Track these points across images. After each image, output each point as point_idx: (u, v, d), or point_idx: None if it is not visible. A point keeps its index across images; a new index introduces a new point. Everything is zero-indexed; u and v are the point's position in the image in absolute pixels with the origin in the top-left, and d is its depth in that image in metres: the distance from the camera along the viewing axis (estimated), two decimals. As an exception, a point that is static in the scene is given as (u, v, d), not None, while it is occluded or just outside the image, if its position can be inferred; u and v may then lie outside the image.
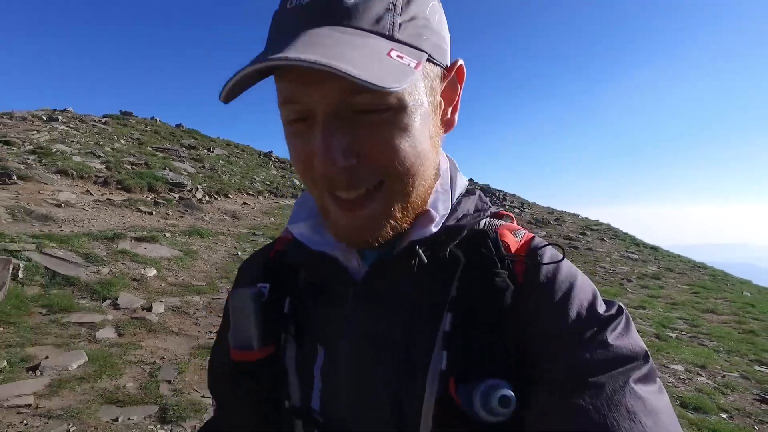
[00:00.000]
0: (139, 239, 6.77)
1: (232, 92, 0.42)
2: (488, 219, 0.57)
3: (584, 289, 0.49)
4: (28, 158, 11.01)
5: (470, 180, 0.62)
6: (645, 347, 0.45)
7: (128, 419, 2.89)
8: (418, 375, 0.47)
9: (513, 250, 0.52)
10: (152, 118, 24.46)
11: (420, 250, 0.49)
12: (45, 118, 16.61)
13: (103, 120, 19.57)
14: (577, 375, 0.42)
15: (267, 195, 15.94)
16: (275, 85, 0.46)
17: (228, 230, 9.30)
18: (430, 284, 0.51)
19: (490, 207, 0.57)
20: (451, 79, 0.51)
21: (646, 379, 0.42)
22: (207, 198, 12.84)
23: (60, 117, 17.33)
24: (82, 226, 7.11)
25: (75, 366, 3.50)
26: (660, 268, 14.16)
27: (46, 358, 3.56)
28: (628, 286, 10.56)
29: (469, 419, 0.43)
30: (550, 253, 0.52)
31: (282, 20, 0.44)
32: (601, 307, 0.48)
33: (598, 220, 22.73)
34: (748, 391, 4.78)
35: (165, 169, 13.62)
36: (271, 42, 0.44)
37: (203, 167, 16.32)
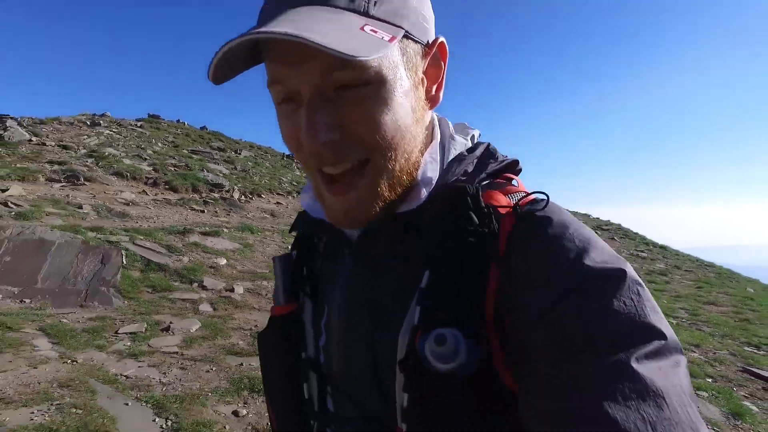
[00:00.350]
0: (205, 234, 7.83)
1: (220, 74, 0.45)
2: (480, 182, 0.53)
3: (578, 239, 0.44)
4: (87, 161, 12.19)
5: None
6: (657, 319, 0.38)
7: (249, 365, 3.90)
8: (393, 330, 0.48)
9: (503, 212, 0.49)
10: (178, 120, 25.60)
11: (403, 220, 0.52)
12: (89, 123, 17.85)
13: (138, 123, 20.78)
14: (565, 350, 0.38)
15: (296, 195, 16.98)
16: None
17: (272, 227, 10.34)
18: (415, 247, 0.51)
19: (492, 163, 0.55)
20: (434, 56, 0.52)
21: (655, 355, 0.36)
22: (243, 198, 13.92)
23: (101, 122, 18.54)
24: (154, 222, 8.19)
25: (194, 329, 4.53)
26: (668, 265, 14.90)
27: (171, 323, 4.60)
28: (635, 281, 11.38)
29: (429, 371, 0.43)
30: (538, 205, 0.48)
31: (266, 5, 0.47)
32: (599, 262, 0.42)
33: (609, 221, 23.39)
34: (733, 364, 5.64)
35: (203, 170, 14.73)
36: (254, 25, 0.46)
37: (235, 168, 17.42)
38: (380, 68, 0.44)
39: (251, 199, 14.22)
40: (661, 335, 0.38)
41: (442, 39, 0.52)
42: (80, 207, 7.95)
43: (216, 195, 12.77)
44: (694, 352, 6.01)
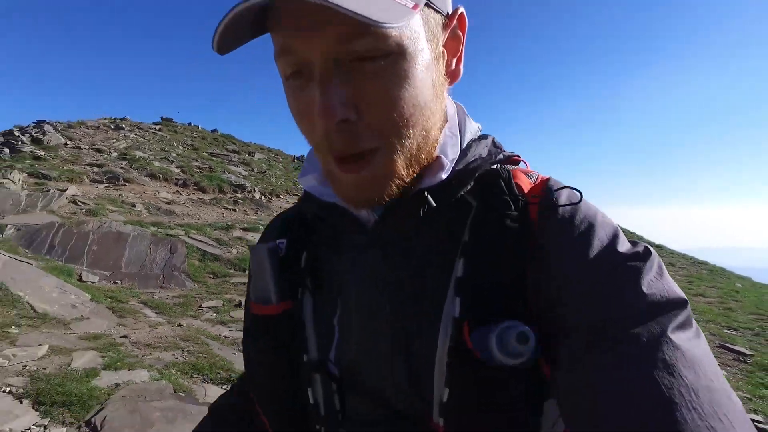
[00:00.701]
0: (245, 229, 8.77)
1: (225, 42, 0.42)
2: (500, 164, 0.52)
3: (605, 227, 0.45)
4: (121, 164, 13.11)
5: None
6: (681, 292, 0.40)
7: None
8: (429, 322, 0.46)
9: (526, 191, 0.49)
10: (190, 123, 26.51)
11: (429, 196, 0.47)
12: (112, 127, 18.79)
13: (157, 127, 21.72)
14: (606, 326, 0.39)
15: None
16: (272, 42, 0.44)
17: (297, 225, 11.28)
18: (441, 230, 0.49)
19: (503, 151, 0.53)
20: (453, 27, 0.49)
21: (684, 326, 0.38)
22: (264, 198, 14.85)
23: (123, 125, 19.48)
24: (198, 219, 9.13)
25: (260, 305, 5.47)
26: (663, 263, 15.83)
27: (241, 300, 5.52)
28: (631, 275, 12.33)
29: (485, 365, 0.41)
30: (566, 194, 0.48)
31: None
32: (625, 247, 0.43)
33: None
34: (712, 342, 6.55)
35: (224, 172, 15.67)
36: None
37: (252, 170, 18.36)
38: (401, 38, 0.40)
39: (271, 199, 15.14)
40: (686, 304, 0.39)
41: (462, 9, 0.50)
42: (133, 205, 8.90)
43: (240, 195, 13.71)
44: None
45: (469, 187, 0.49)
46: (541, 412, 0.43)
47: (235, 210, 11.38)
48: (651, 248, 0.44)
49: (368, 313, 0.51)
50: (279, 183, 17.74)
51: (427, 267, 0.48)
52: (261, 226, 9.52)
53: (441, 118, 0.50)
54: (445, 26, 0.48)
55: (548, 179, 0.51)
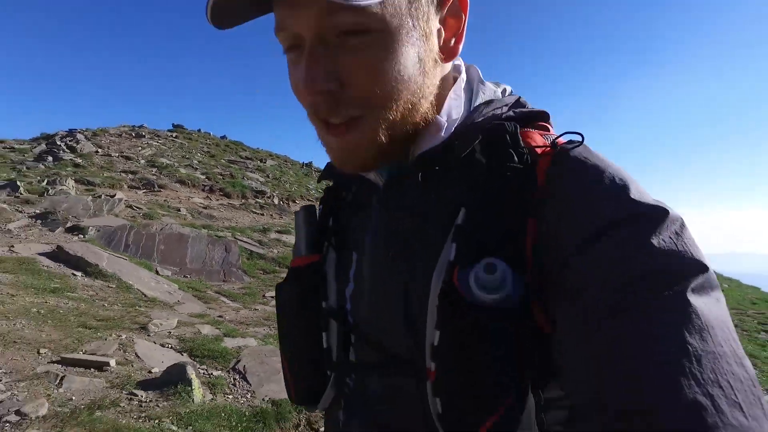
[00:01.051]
0: (279, 231, 9.74)
1: (224, 13, 0.45)
2: (510, 121, 0.50)
3: (617, 175, 0.43)
4: (151, 170, 14.05)
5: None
6: (701, 256, 0.38)
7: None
8: (426, 268, 0.47)
9: (539, 151, 0.48)
10: (199, 130, 27.40)
11: (429, 159, 0.50)
12: (134, 135, 19.73)
13: (173, 134, 22.67)
14: (613, 288, 0.37)
15: (323, 201, 18.87)
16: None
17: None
18: (447, 187, 0.50)
19: (526, 109, 0.53)
20: (452, 5, 0.50)
21: (699, 290, 0.36)
22: (282, 203, 15.81)
23: (143, 133, 20.43)
24: (235, 222, 10.09)
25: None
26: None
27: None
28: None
29: (471, 306, 0.42)
30: (579, 150, 0.47)
31: None
32: (640, 198, 0.41)
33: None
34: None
35: (244, 178, 16.63)
36: None
37: (268, 177, 19.32)
38: (383, 15, 0.42)
39: (289, 204, 16.06)
40: (704, 268, 0.37)
41: None
42: (178, 210, 9.86)
43: (261, 201, 14.66)
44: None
45: (474, 145, 0.48)
46: (531, 366, 0.42)
47: (263, 214, 12.34)
48: (668, 208, 0.41)
49: (376, 265, 0.54)
50: (293, 189, 18.67)
51: (432, 220, 0.49)
52: (292, 229, 10.47)
53: (433, 92, 0.50)
54: (441, 4, 0.49)
55: (565, 142, 0.49)
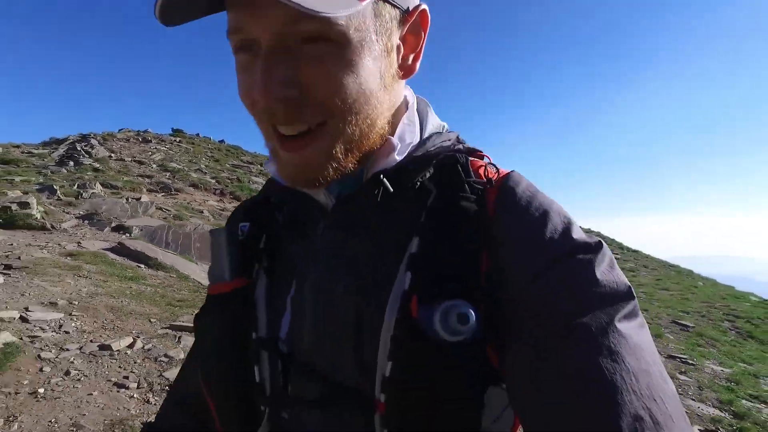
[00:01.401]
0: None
1: (175, 13, 0.43)
2: (461, 153, 0.53)
3: (561, 217, 0.47)
4: (165, 174, 14.82)
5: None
6: (628, 283, 0.43)
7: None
8: (380, 296, 0.46)
9: (485, 178, 0.50)
10: (198, 135, 28.01)
11: (384, 180, 0.49)
12: (140, 139, 20.43)
13: (177, 139, 23.38)
14: (558, 315, 0.40)
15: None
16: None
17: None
18: (399, 213, 0.50)
19: (465, 144, 0.56)
20: (413, 23, 0.50)
21: (630, 316, 0.40)
22: (287, 206, 16.64)
23: (148, 137, 21.13)
24: (253, 224, 10.96)
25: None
26: (637, 265, 18.12)
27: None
28: (609, 274, 14.58)
29: (428, 340, 0.42)
30: (524, 184, 0.50)
31: None
32: (579, 238, 0.45)
33: (589, 228, 26.62)
34: (667, 319, 8.64)
35: (250, 182, 17.46)
36: None
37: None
38: (348, 28, 0.42)
39: (293, 207, 16.87)
40: (633, 296, 0.41)
41: (424, 6, 0.51)
42: (201, 212, 10.70)
43: (269, 203, 15.45)
44: (646, 311, 9.00)
45: (428, 173, 0.50)
46: (482, 402, 0.44)
47: (273, 216, 13.19)
48: (602, 242, 0.45)
49: (322, 292, 0.51)
50: (296, 192, 19.46)
51: (383, 246, 0.49)
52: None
53: (390, 109, 0.51)
54: (403, 21, 0.49)
55: (510, 171, 0.52)
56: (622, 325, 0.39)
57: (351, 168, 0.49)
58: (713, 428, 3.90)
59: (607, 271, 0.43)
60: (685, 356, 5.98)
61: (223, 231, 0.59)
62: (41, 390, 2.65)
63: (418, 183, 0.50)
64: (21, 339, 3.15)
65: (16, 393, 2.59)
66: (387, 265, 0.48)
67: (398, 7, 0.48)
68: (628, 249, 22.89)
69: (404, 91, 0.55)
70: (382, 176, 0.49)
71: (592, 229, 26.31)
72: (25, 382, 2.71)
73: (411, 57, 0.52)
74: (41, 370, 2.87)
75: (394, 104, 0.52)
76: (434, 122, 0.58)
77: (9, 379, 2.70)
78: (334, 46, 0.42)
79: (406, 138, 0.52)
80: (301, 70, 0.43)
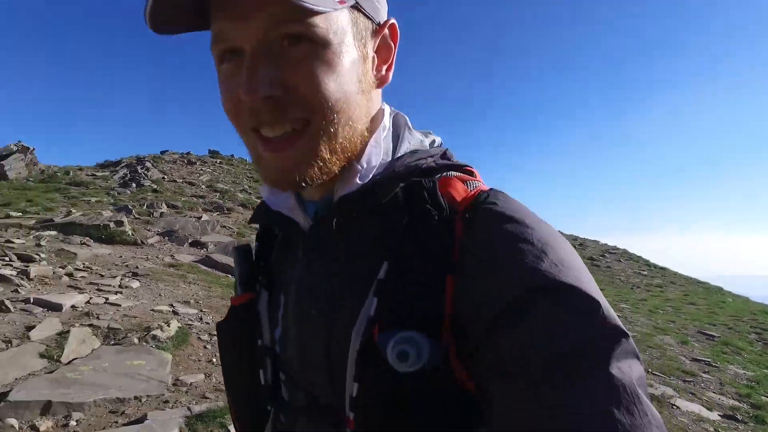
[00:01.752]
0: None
1: (160, 20, 0.46)
2: (431, 174, 0.52)
3: (536, 238, 0.43)
4: (215, 195, 16.05)
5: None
6: (619, 322, 0.38)
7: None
8: (347, 321, 0.48)
9: (459, 199, 0.49)
10: (232, 155, 29.41)
11: (345, 206, 0.51)
12: (186, 162, 21.91)
13: (217, 160, 24.85)
14: (540, 362, 0.36)
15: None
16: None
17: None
18: (368, 237, 0.50)
19: (450, 161, 0.55)
20: (384, 36, 0.53)
21: (623, 356, 0.36)
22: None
23: (192, 159, 22.60)
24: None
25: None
26: (665, 281, 18.44)
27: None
28: (636, 290, 15.05)
29: (388, 366, 0.42)
30: (499, 202, 0.47)
31: None
32: (564, 264, 0.40)
33: (615, 246, 26.81)
34: (693, 328, 9.17)
35: (289, 201, 18.56)
36: None
37: (307, 199, 21.21)
38: (328, 30, 0.45)
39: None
40: (624, 334, 0.37)
41: (393, 21, 0.54)
42: (256, 229, 11.78)
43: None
44: (673, 322, 9.54)
45: (394, 195, 0.49)
46: (457, 414, 0.43)
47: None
48: (584, 274, 0.41)
49: (299, 312, 0.55)
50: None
51: (351, 270, 0.50)
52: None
53: (367, 115, 0.52)
54: (376, 33, 0.52)
55: (484, 190, 0.50)
56: (613, 371, 0.35)
57: (335, 170, 0.50)
58: (731, 414, 4.56)
59: (593, 308, 0.38)
60: (708, 359, 6.59)
61: (237, 249, 0.66)
62: (214, 360, 3.62)
63: (389, 206, 0.49)
64: (182, 326, 4.15)
65: (198, 360, 3.57)
66: (356, 289, 0.49)
67: (371, 20, 0.51)
68: (655, 266, 23.08)
69: (380, 104, 0.56)
70: (341, 200, 0.51)
71: (618, 246, 26.52)
72: (200, 354, 3.69)
73: (384, 68, 0.54)
74: (205, 347, 3.85)
75: (371, 111, 0.53)
76: (411, 140, 0.57)
77: (190, 351, 3.69)
78: (316, 46, 0.45)
79: (372, 160, 0.52)
80: (285, 71, 0.45)
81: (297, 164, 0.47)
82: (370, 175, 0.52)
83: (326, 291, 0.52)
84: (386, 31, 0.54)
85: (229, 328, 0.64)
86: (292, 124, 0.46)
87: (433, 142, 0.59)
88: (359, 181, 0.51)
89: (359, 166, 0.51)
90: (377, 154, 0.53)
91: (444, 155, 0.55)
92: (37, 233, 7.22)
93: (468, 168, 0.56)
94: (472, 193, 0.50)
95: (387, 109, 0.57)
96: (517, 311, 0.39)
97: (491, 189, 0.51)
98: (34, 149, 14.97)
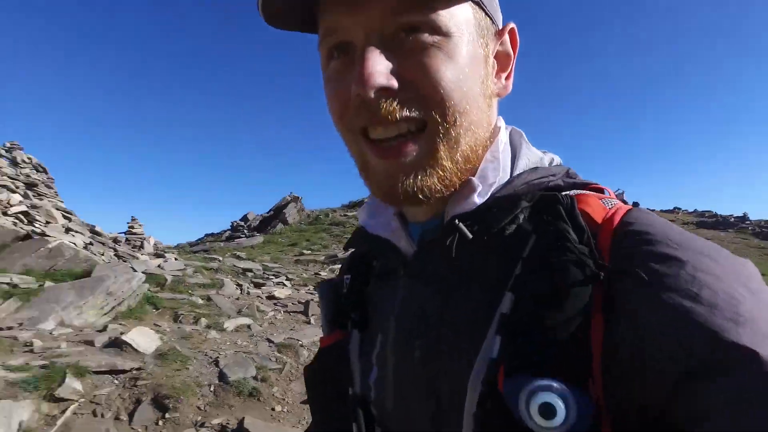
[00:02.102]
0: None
1: (278, 15, 0.45)
2: (561, 190, 0.46)
3: (722, 279, 0.34)
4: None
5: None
6: None
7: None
8: (462, 363, 0.41)
9: (599, 221, 0.42)
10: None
11: (462, 225, 0.44)
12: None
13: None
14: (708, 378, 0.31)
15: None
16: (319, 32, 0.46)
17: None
18: (487, 261, 0.44)
19: (575, 179, 0.48)
20: (504, 41, 0.49)
21: None
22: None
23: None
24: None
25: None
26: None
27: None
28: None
29: (518, 424, 0.35)
30: (653, 226, 0.39)
31: None
32: (760, 316, 0.32)
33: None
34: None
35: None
36: None
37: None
38: (450, 21, 0.41)
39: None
40: None
41: (513, 25, 0.49)
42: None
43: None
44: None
45: (522, 217, 0.44)
46: None
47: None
48: (751, 265, 0.36)
49: (400, 353, 0.48)
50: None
51: (467, 300, 0.44)
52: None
53: (488, 124, 0.48)
54: (496, 36, 0.48)
55: (630, 208, 0.43)
56: None
57: (457, 183, 0.45)
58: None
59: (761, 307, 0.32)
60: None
61: (324, 285, 0.61)
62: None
63: (511, 228, 0.44)
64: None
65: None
66: (471, 324, 0.42)
67: (492, 20, 0.47)
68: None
69: (497, 118, 0.51)
70: (457, 221, 0.44)
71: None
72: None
73: (503, 75, 0.50)
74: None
75: (492, 121, 0.49)
76: (530, 156, 0.51)
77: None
78: (437, 36, 0.41)
79: (489, 176, 0.46)
80: (402, 63, 0.41)
81: (411, 170, 0.43)
82: (489, 192, 0.46)
83: (434, 328, 0.46)
84: (506, 36, 0.50)
85: (314, 373, 0.58)
86: (407, 124, 0.42)
87: (552, 160, 0.53)
88: (478, 199, 0.45)
89: (476, 183, 0.46)
90: (494, 169, 0.47)
91: (568, 174, 0.49)
92: (329, 267, 11.42)
93: (596, 186, 0.49)
94: (611, 211, 0.43)
95: (502, 122, 0.52)
96: (720, 369, 0.31)
97: (637, 208, 0.44)
98: (301, 198, 19.76)
